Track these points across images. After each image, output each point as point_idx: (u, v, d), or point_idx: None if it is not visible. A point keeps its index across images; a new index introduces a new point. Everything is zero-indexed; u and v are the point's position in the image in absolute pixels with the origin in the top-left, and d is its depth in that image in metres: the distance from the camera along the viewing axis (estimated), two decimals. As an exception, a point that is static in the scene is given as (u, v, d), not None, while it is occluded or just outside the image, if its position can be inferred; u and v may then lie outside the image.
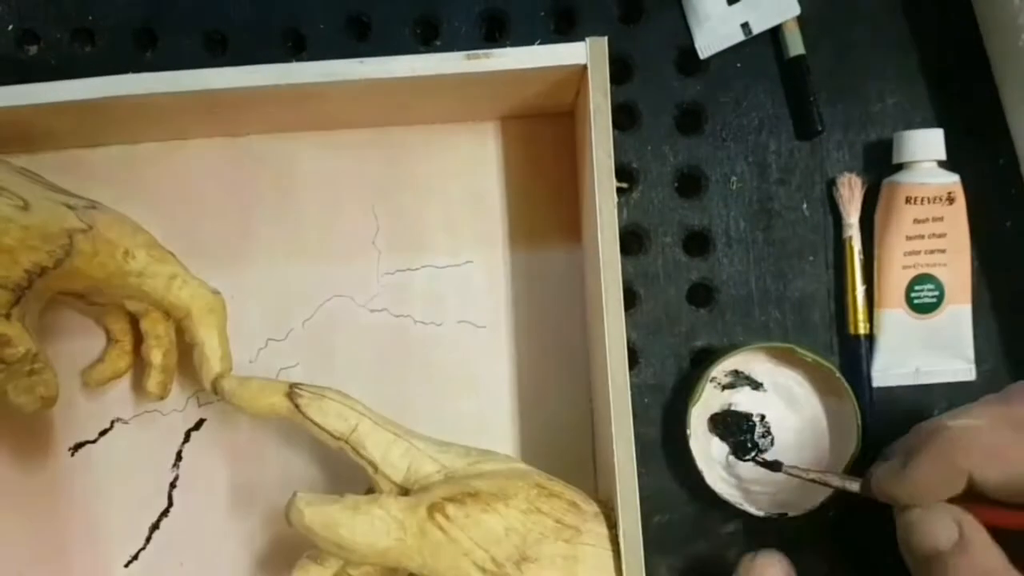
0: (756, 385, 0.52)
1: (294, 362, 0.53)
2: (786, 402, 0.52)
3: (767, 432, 0.52)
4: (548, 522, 0.43)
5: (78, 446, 0.53)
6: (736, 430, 0.52)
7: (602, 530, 0.43)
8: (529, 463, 0.48)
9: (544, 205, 0.53)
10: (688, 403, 0.50)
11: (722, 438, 0.52)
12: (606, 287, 0.43)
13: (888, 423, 0.53)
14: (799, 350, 0.50)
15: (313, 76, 0.44)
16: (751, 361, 0.52)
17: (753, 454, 0.52)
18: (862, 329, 0.52)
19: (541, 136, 0.53)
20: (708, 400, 0.52)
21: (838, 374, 0.50)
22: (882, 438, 0.52)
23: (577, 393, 0.53)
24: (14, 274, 0.44)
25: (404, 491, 0.44)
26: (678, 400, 0.53)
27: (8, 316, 0.45)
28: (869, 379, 0.52)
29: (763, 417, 0.52)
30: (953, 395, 0.53)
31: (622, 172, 0.53)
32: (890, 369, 0.52)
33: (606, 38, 0.43)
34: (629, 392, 0.42)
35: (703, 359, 0.53)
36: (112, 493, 0.53)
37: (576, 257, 0.53)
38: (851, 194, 0.52)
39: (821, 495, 0.49)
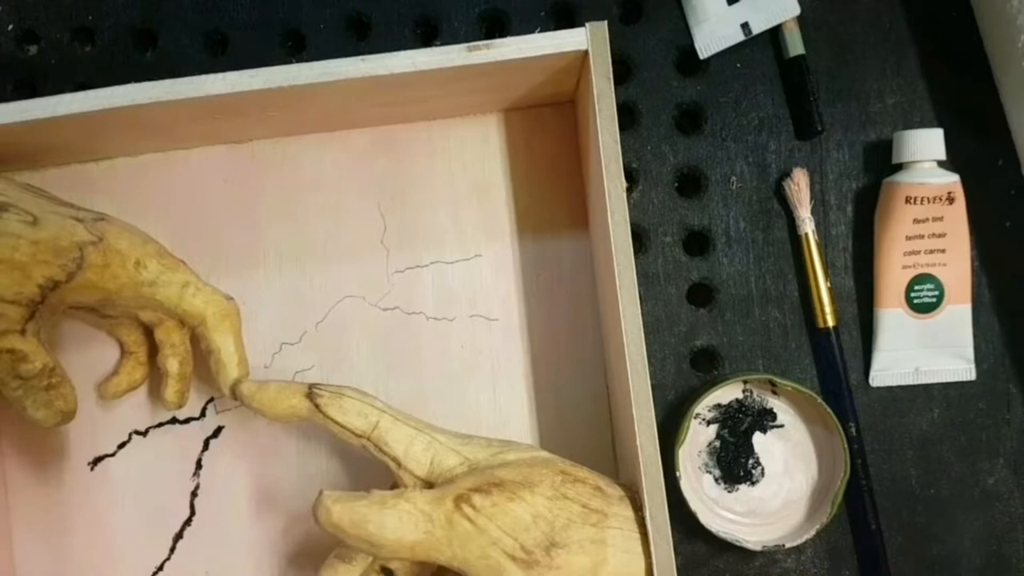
0: (741, 417, 0.52)
1: (309, 364, 0.53)
2: (772, 430, 0.52)
3: (757, 462, 0.52)
4: (574, 507, 0.43)
5: (97, 460, 0.53)
6: (724, 460, 0.52)
7: (628, 513, 0.43)
8: (550, 452, 0.47)
9: (550, 195, 0.53)
10: (675, 445, 0.50)
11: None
12: (619, 271, 0.43)
13: (888, 423, 0.53)
14: (779, 380, 0.50)
15: (314, 76, 0.44)
16: (733, 393, 0.52)
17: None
18: (830, 322, 0.52)
19: (544, 126, 0.53)
20: (695, 438, 0.52)
21: (819, 400, 0.50)
22: (882, 439, 0.53)
23: (594, 380, 0.53)
24: (28, 290, 0.44)
25: (428, 485, 0.44)
26: (678, 399, 0.53)
27: (23, 332, 0.45)
28: (845, 372, 0.52)
29: (751, 446, 0.52)
30: (953, 395, 0.53)
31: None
32: (890, 369, 0.52)
33: (605, 22, 0.43)
34: (648, 373, 0.42)
35: (703, 359, 0.54)
36: (133, 505, 0.53)
37: (584, 245, 0.53)
38: (800, 189, 0.52)
39: (817, 525, 0.50)
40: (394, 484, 0.46)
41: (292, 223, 0.53)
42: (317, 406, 0.45)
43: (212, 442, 0.53)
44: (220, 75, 0.44)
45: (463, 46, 0.43)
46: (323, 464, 0.53)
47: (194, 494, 0.53)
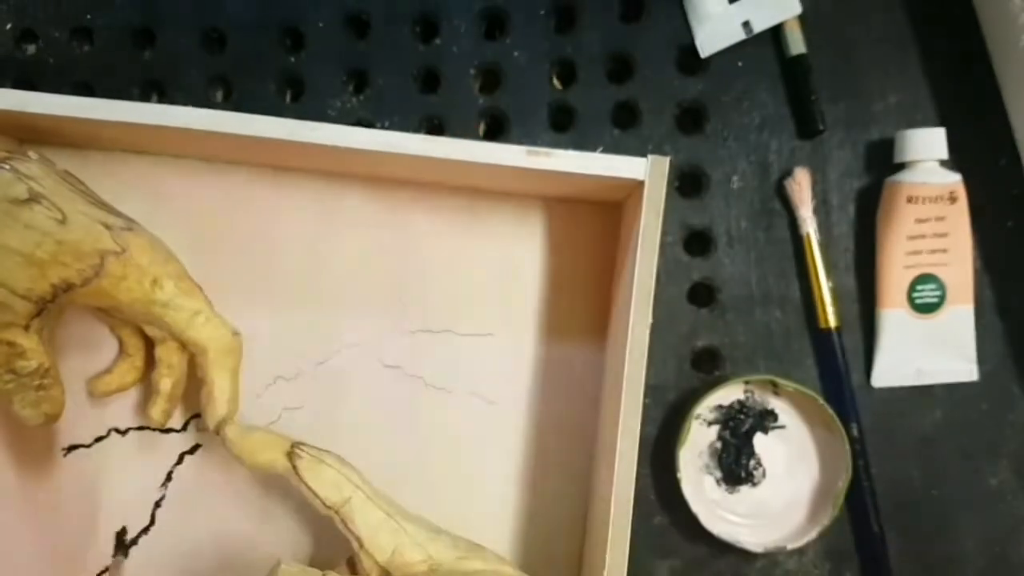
0: (742, 418, 0.52)
1: (300, 404, 0.52)
2: (774, 431, 0.52)
3: (758, 463, 0.52)
4: None
5: (71, 448, 0.53)
6: (725, 461, 0.52)
7: None
8: (514, 545, 0.47)
9: (577, 293, 0.52)
10: (676, 446, 0.50)
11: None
12: (625, 406, 0.43)
13: (890, 424, 0.53)
14: (780, 381, 0.50)
15: (376, 145, 0.44)
16: (734, 394, 0.52)
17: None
18: (832, 322, 0.52)
19: (587, 221, 0.52)
20: (696, 439, 0.52)
21: (821, 401, 0.50)
22: (884, 440, 0.52)
23: (577, 490, 0.52)
24: (40, 287, 0.44)
25: (386, 573, 0.44)
26: (679, 400, 0.53)
27: (27, 327, 0.45)
28: (847, 372, 0.52)
29: (752, 447, 0.52)
30: (955, 395, 0.52)
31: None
32: (892, 369, 0.52)
33: (668, 159, 0.43)
34: (631, 505, 0.42)
35: (704, 359, 0.53)
36: (97, 500, 0.53)
37: (598, 355, 0.52)
38: (802, 189, 0.52)
39: (818, 526, 0.49)
40: (351, 559, 0.46)
41: (317, 260, 0.53)
42: (295, 467, 0.46)
43: (188, 457, 0.53)
44: (280, 120, 0.44)
45: (523, 149, 0.44)
46: (292, 503, 0.52)
47: (158, 504, 0.53)
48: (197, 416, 0.53)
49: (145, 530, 0.53)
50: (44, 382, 0.46)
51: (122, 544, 0.52)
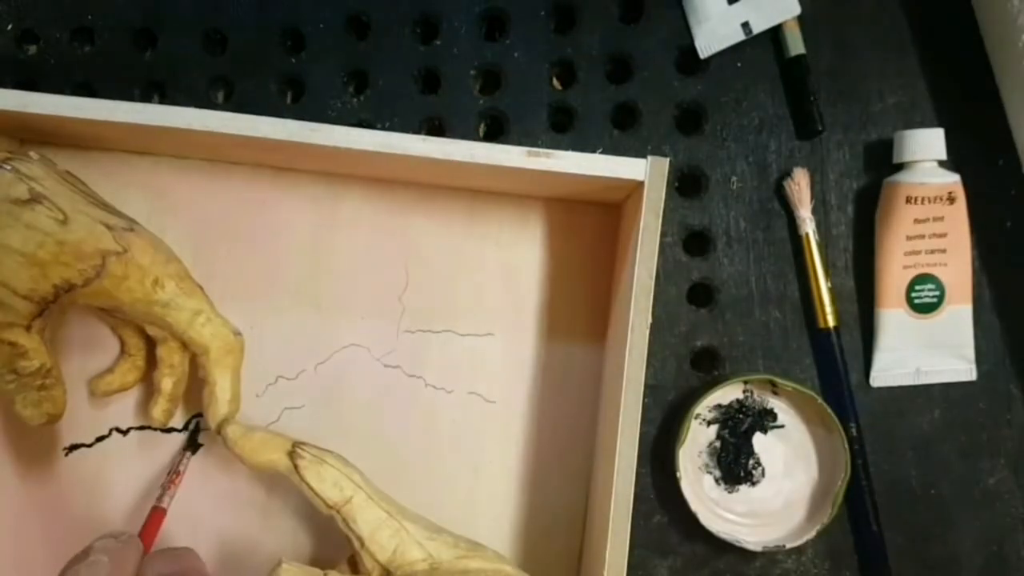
0: (741, 418, 0.52)
1: (301, 403, 0.53)
2: (773, 430, 0.52)
3: (757, 462, 0.52)
4: None
5: (73, 447, 0.53)
6: (724, 460, 0.52)
7: None
8: (514, 543, 0.48)
9: (577, 293, 0.52)
10: (675, 445, 0.50)
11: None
12: (625, 406, 0.43)
13: (888, 424, 0.53)
14: (779, 380, 0.50)
15: (375, 146, 0.44)
16: (733, 394, 0.52)
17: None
18: (831, 322, 0.52)
19: (586, 223, 0.52)
20: (695, 438, 0.52)
21: (820, 400, 0.50)
22: (882, 439, 0.53)
23: (576, 489, 0.52)
24: (42, 288, 0.44)
25: (387, 572, 0.45)
26: (678, 400, 0.53)
27: (29, 328, 0.45)
28: (845, 372, 0.52)
29: (751, 446, 0.52)
30: (953, 395, 0.53)
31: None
32: (890, 369, 0.52)
33: (668, 160, 0.44)
34: (631, 504, 0.42)
35: (703, 359, 0.53)
36: (97, 500, 0.53)
37: (598, 355, 0.52)
38: (801, 189, 0.52)
39: (817, 525, 0.50)
40: (352, 557, 0.46)
41: (317, 259, 0.53)
42: (296, 466, 0.46)
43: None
44: (281, 121, 0.44)
45: (523, 150, 0.44)
46: (293, 503, 0.53)
47: None
48: (199, 416, 0.53)
49: None
50: (46, 382, 0.47)
51: (194, 440, 0.52)
